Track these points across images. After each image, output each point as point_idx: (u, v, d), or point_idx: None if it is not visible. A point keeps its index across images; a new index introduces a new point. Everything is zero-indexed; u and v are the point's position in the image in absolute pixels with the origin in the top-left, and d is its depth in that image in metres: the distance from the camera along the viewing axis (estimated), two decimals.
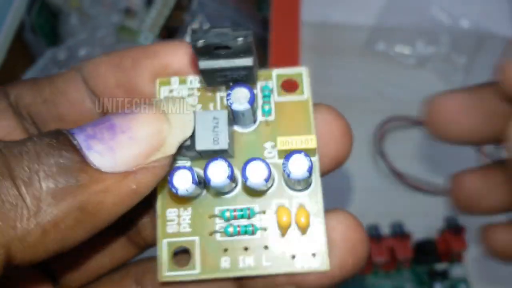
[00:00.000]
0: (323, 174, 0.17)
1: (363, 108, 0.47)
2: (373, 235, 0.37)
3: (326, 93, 0.48)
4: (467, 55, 0.48)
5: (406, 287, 0.37)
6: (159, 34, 0.43)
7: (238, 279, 0.17)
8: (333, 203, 0.42)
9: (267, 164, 0.15)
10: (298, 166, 0.15)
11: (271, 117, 0.17)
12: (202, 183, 0.16)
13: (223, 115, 0.16)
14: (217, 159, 0.15)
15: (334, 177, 0.46)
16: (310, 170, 0.15)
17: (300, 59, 0.40)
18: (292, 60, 0.40)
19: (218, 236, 0.16)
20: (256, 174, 0.15)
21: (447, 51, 0.48)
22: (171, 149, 0.15)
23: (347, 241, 0.16)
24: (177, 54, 0.17)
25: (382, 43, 0.49)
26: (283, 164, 0.15)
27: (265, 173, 0.15)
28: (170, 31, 0.44)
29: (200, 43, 0.15)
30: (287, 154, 0.15)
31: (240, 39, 0.15)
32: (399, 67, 0.48)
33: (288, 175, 0.15)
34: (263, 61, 0.41)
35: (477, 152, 0.45)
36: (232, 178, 0.15)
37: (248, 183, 0.15)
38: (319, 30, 0.48)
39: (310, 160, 0.15)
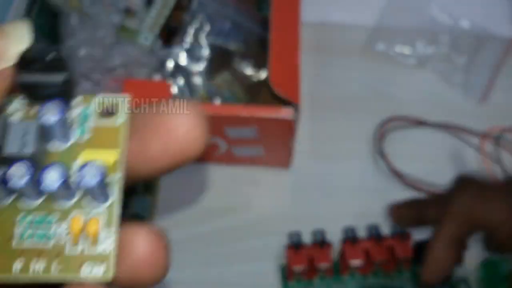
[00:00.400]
0: (171, 170, 0.18)
1: (363, 108, 0.47)
2: (373, 235, 0.37)
3: (326, 93, 0.48)
4: (467, 55, 0.48)
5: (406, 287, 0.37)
6: (159, 34, 0.43)
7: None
8: (333, 203, 0.42)
9: (64, 170, 0.16)
10: (89, 175, 0.16)
11: (85, 137, 0.18)
12: (8, 188, 0.17)
13: (33, 126, 0.17)
14: (18, 162, 0.16)
15: (333, 176, 0.46)
16: (100, 181, 0.16)
17: (300, 59, 0.40)
18: (291, 59, 0.40)
19: (14, 241, 0.17)
20: (51, 177, 0.16)
21: (447, 51, 0.48)
22: (10, 60, 0.16)
23: (143, 254, 0.17)
24: None
25: (382, 43, 0.49)
26: (76, 174, 0.16)
27: (60, 176, 0.16)
28: (170, 31, 0.44)
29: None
30: (80, 166, 0.16)
31: (50, 55, 0.16)
32: (399, 67, 0.48)
33: (80, 184, 0.16)
34: (263, 61, 0.41)
35: (477, 151, 0.45)
36: (31, 181, 0.16)
37: (43, 187, 0.16)
38: (319, 30, 0.49)
39: (102, 172, 0.16)
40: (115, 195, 0.17)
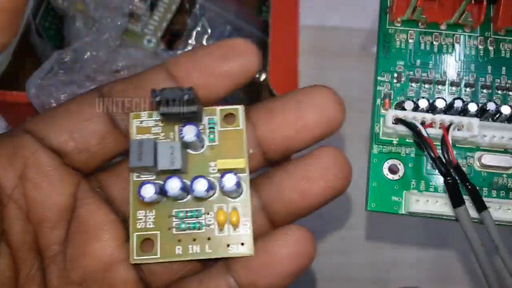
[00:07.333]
0: (321, 138, 0.22)
1: (361, 109, 0.48)
2: None
3: None
4: None
5: None
6: (162, 37, 0.44)
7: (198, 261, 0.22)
8: (332, 202, 0.42)
9: (208, 180, 0.21)
10: (229, 182, 0.21)
11: (215, 143, 0.22)
12: (163, 192, 0.21)
13: (178, 145, 0.21)
14: (172, 177, 0.21)
15: None
16: (237, 185, 0.21)
17: (299, 61, 0.41)
18: (290, 62, 0.41)
19: (174, 231, 0.22)
20: (199, 187, 0.21)
21: None
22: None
23: (293, 256, 0.20)
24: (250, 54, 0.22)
25: None
26: (219, 181, 0.21)
27: (206, 186, 0.21)
28: (172, 35, 0.45)
29: (157, 98, 0.20)
30: (222, 173, 0.21)
31: (186, 96, 0.20)
32: None
33: (222, 188, 0.21)
34: (264, 62, 0.42)
35: None
36: (183, 189, 0.21)
37: (194, 193, 0.21)
38: (317, 34, 0.50)
39: (238, 178, 0.21)
40: (246, 191, 0.22)
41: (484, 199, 0.28)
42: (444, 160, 0.28)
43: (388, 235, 0.43)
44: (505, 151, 0.30)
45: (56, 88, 0.38)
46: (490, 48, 0.32)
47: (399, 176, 0.30)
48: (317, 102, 0.22)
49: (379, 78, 0.33)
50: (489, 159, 0.30)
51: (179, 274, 0.22)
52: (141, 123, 0.22)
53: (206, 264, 0.22)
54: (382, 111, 0.32)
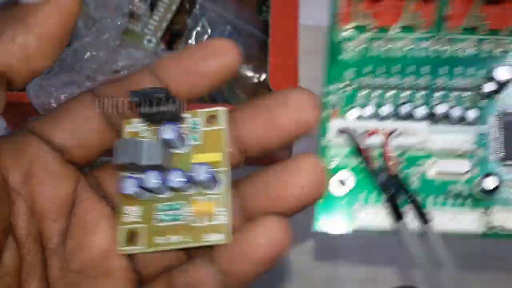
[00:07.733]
0: (296, 137, 0.23)
1: None
2: None
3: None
4: None
5: None
6: (162, 37, 0.45)
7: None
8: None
9: (183, 172, 0.22)
10: (199, 171, 0.22)
11: (198, 142, 0.24)
12: (146, 188, 0.23)
13: (158, 143, 0.23)
14: (151, 170, 0.22)
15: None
16: (209, 174, 0.22)
17: (298, 61, 0.42)
18: (290, 62, 0.42)
19: (155, 222, 0.23)
20: (174, 177, 0.22)
21: None
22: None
23: (269, 243, 0.21)
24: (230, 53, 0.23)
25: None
26: (193, 172, 0.22)
27: (180, 177, 0.22)
28: (172, 35, 0.46)
29: (135, 99, 0.22)
30: (195, 167, 0.22)
31: (158, 95, 0.21)
32: None
33: (194, 178, 0.22)
34: (264, 62, 0.42)
35: None
36: (162, 181, 0.22)
37: (170, 183, 0.22)
38: (317, 34, 0.50)
39: (209, 168, 0.22)
40: (224, 183, 0.23)
41: (440, 207, 0.27)
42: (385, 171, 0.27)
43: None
44: (460, 155, 0.29)
45: (56, 88, 0.38)
46: (444, 48, 0.31)
47: (349, 188, 0.28)
48: (292, 103, 0.23)
49: (326, 88, 0.32)
50: (442, 165, 0.28)
51: (164, 264, 0.24)
52: (131, 128, 0.24)
53: (191, 255, 0.24)
54: (329, 122, 0.31)
